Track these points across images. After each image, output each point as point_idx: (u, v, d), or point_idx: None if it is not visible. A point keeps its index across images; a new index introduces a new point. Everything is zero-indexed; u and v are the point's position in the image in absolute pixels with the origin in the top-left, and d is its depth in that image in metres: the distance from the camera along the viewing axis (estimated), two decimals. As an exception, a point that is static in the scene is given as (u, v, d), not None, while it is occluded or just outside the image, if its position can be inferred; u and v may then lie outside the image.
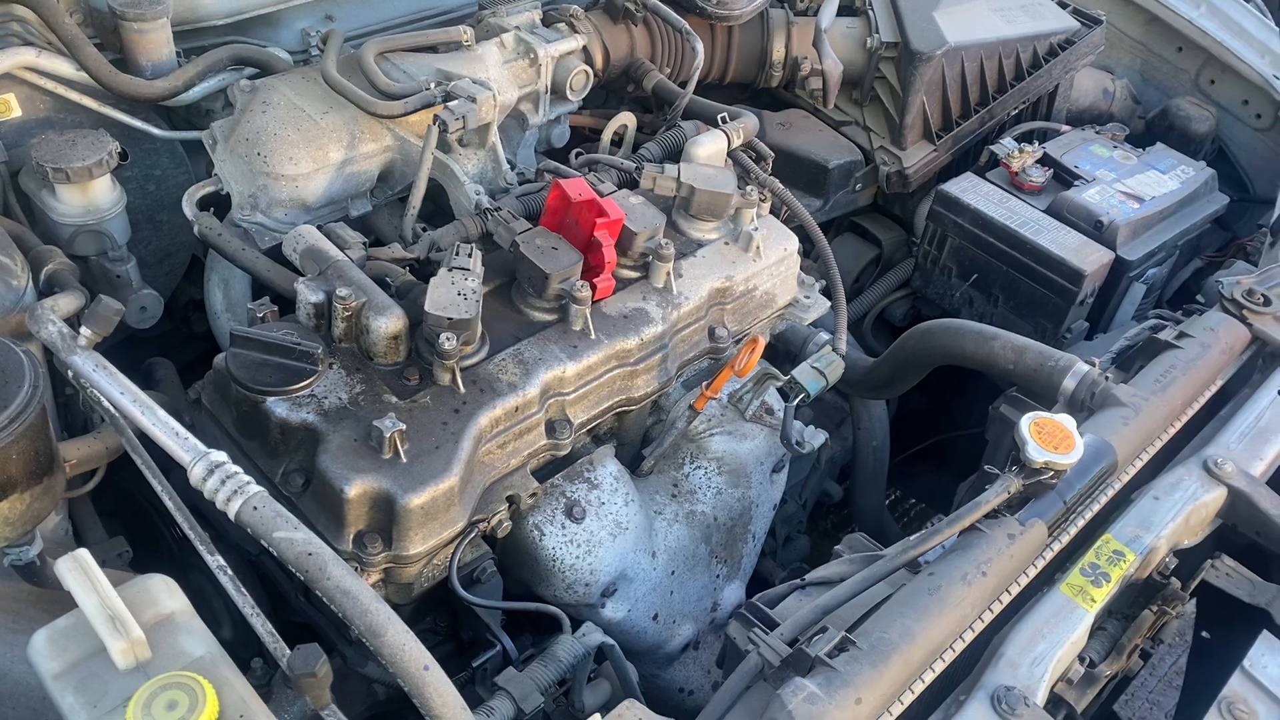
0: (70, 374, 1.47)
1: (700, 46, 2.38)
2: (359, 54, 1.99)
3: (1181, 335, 2.11)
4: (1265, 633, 1.74)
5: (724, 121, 2.21)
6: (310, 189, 1.94)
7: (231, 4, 2.21)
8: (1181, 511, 1.84)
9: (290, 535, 1.31)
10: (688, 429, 1.98)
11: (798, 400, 1.97)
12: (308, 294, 1.66)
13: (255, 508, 1.33)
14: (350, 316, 1.65)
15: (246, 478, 1.36)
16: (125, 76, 1.96)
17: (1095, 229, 2.51)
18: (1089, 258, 2.39)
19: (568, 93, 2.30)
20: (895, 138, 2.71)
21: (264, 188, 1.92)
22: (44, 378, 1.35)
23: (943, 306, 2.66)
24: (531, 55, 2.21)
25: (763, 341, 1.83)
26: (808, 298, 2.20)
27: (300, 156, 1.91)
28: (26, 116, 2.03)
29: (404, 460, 1.55)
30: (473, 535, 1.65)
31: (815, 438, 2.06)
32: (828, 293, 2.27)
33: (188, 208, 1.93)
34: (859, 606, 1.64)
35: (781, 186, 2.17)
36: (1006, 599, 1.68)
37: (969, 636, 1.61)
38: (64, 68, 1.96)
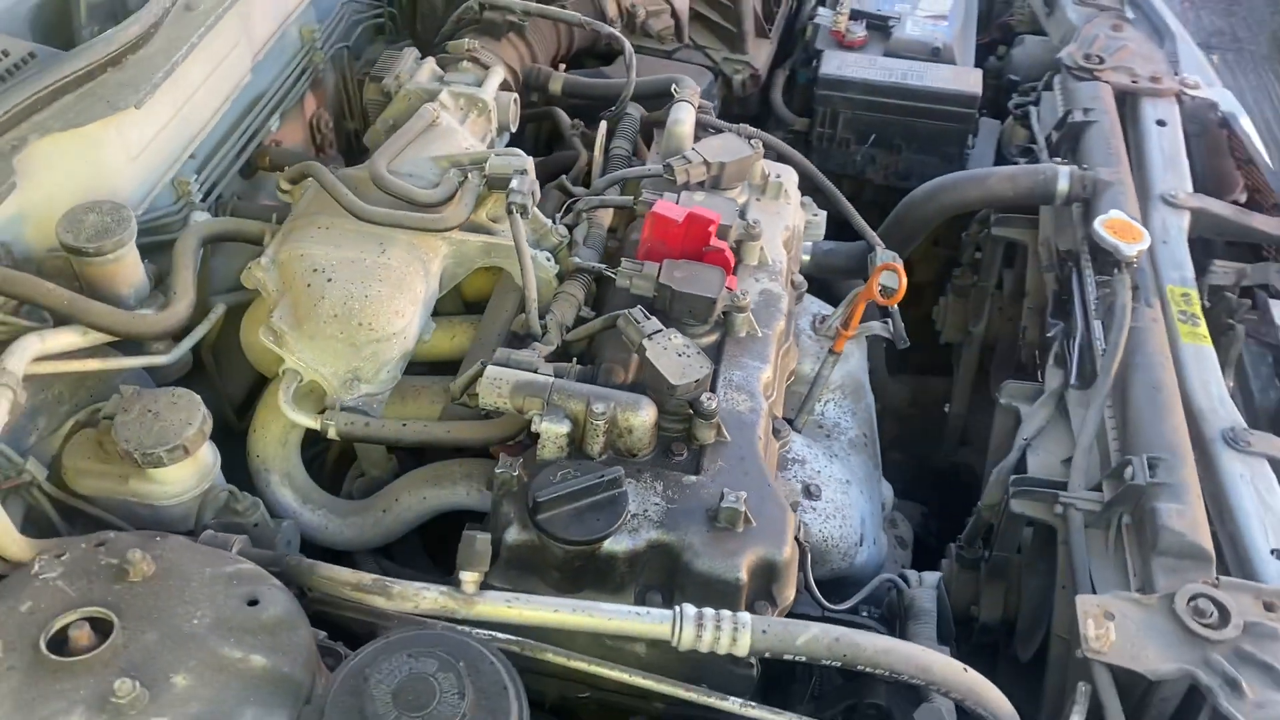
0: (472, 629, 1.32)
1: (621, 34, 2.36)
2: (375, 176, 1.79)
3: (1087, 110, 2.51)
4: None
5: (677, 92, 2.25)
6: (412, 333, 1.77)
7: (143, 187, 1.87)
8: (1184, 241, 2.27)
9: (812, 634, 1.34)
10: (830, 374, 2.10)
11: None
12: (556, 428, 1.57)
13: (764, 630, 1.33)
14: (608, 427, 1.59)
15: (726, 611, 1.34)
16: (144, 317, 1.64)
17: (935, 56, 2.84)
18: (969, 81, 2.72)
19: (511, 125, 2.21)
20: (735, 45, 2.85)
21: (373, 354, 1.72)
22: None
23: (846, 174, 2.90)
24: (479, 105, 2.10)
25: (896, 263, 1.97)
26: (815, 215, 2.34)
27: (402, 305, 1.73)
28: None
29: (754, 524, 1.56)
30: (809, 554, 1.70)
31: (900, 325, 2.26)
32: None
33: (304, 419, 1.70)
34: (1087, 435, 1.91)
35: (754, 129, 2.26)
36: (1163, 365, 2.02)
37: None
38: (72, 339, 1.60)
